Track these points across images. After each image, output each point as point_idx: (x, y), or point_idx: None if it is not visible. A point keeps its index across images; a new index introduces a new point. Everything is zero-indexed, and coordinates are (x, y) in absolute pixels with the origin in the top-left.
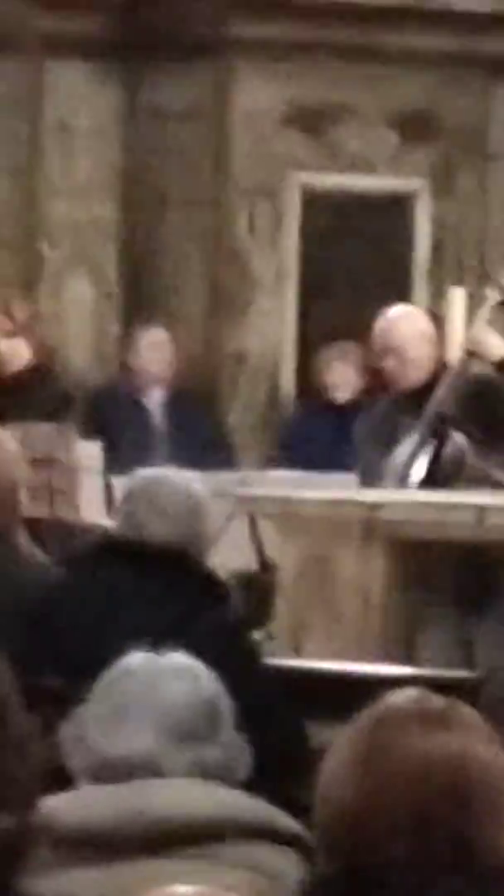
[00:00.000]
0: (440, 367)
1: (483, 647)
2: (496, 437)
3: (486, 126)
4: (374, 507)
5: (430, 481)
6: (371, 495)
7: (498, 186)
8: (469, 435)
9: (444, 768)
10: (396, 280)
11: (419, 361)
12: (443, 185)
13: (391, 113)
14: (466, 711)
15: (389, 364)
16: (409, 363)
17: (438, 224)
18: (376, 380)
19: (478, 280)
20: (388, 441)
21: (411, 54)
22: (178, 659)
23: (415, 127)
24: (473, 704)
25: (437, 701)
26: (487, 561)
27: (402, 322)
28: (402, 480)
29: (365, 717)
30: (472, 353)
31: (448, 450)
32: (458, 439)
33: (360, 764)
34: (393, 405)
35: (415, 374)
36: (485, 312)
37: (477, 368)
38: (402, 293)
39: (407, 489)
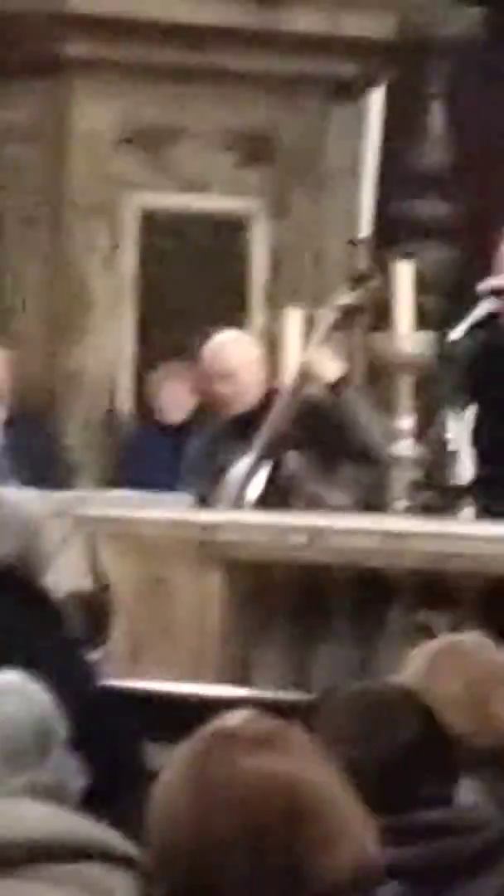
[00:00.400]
0: (271, 391)
1: (318, 668)
2: (330, 459)
3: (323, 148)
4: (210, 528)
5: (265, 502)
6: (207, 516)
7: (334, 208)
8: (304, 456)
9: (276, 790)
10: (234, 301)
11: (249, 387)
12: (280, 206)
13: (228, 134)
14: (299, 734)
15: (220, 389)
16: (240, 388)
17: (275, 245)
18: (209, 401)
19: (314, 301)
20: (219, 463)
21: (249, 75)
22: (10, 678)
23: (252, 148)
24: (308, 726)
25: (270, 723)
26: (322, 582)
27: (232, 347)
28: (238, 501)
29: (197, 738)
30: (306, 375)
31: (283, 471)
32: (293, 460)
33: (193, 785)
34: (227, 424)
35: (244, 399)
36: (320, 334)
37: (312, 390)
38: (239, 314)
39: (242, 510)
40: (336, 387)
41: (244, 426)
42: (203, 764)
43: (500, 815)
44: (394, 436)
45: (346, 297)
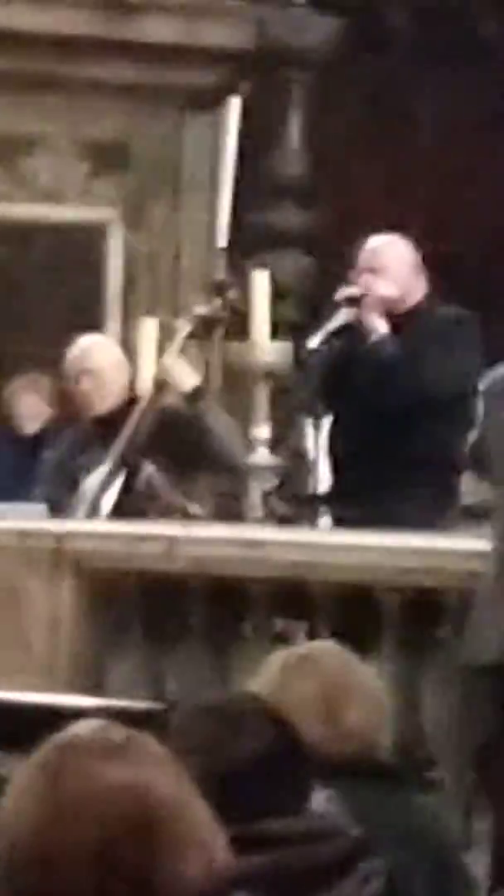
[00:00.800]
0: (131, 399)
1: (172, 677)
2: (188, 468)
3: (180, 157)
4: (63, 537)
5: (120, 512)
6: (60, 525)
7: (191, 218)
8: (159, 465)
9: (127, 800)
10: (89, 311)
11: (113, 387)
12: (135, 215)
13: (83, 143)
14: (150, 743)
15: (84, 387)
16: (105, 388)
17: (131, 255)
18: (66, 409)
19: (170, 311)
20: (77, 470)
21: (104, 85)
22: None
23: (107, 157)
24: (160, 736)
25: (120, 732)
26: (178, 591)
27: (98, 348)
28: (93, 511)
29: (48, 747)
30: (163, 384)
31: (139, 480)
32: (149, 470)
33: (43, 795)
34: (83, 433)
35: (108, 400)
36: (177, 343)
37: (168, 399)
38: (95, 324)
39: (97, 519)
40: (193, 396)
41: (103, 431)
42: (54, 773)
43: (352, 824)
44: (250, 445)
45: (203, 308)
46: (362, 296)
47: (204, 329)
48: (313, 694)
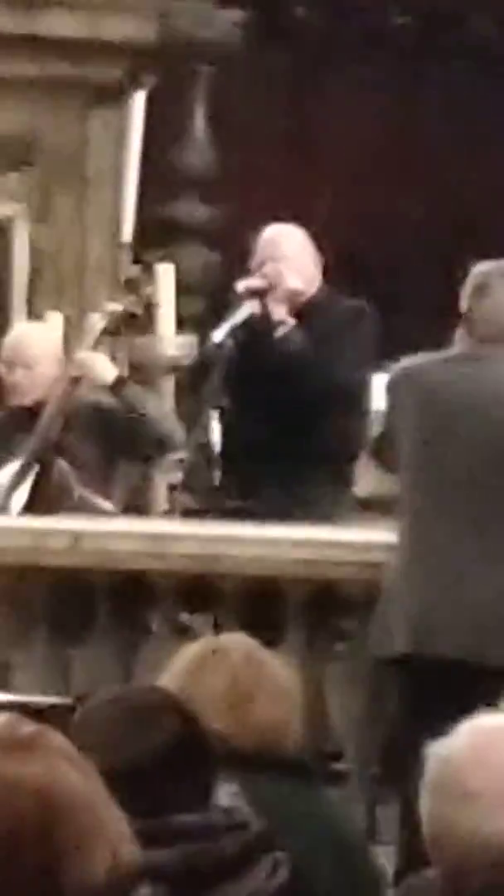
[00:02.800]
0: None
1: (79, 672)
2: (99, 463)
3: (85, 151)
4: None
5: (32, 507)
6: None
7: (96, 212)
8: (72, 461)
9: (30, 794)
10: None
11: (45, 378)
12: (41, 210)
13: None
14: (55, 737)
15: (16, 376)
16: (36, 378)
17: (36, 249)
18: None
19: (75, 305)
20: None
21: (7, 80)
22: None
23: (11, 152)
24: (65, 730)
25: (27, 727)
26: (84, 586)
27: (35, 337)
28: (3, 507)
29: None
30: (77, 378)
31: (52, 476)
32: (62, 465)
33: None
34: (8, 419)
35: (38, 391)
36: (91, 337)
37: (83, 392)
38: (0, 318)
39: (6, 515)
40: (116, 386)
41: (26, 422)
42: None
43: (256, 817)
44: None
45: (118, 304)
46: (268, 287)
47: (117, 324)
48: (221, 687)
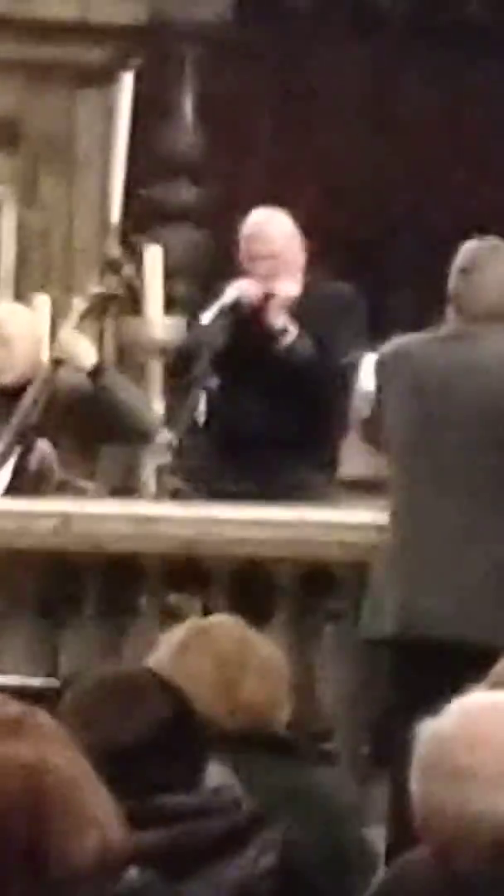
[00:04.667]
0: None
1: (67, 654)
2: (95, 444)
3: (72, 133)
4: None
5: (14, 490)
6: None
7: (84, 194)
8: (55, 443)
9: (19, 776)
10: None
11: (24, 359)
12: (28, 192)
13: None
14: (44, 719)
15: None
16: (15, 359)
17: (24, 232)
18: None
19: (63, 287)
20: None
21: None
22: None
23: None
24: (54, 712)
25: (15, 708)
26: (71, 568)
27: (14, 317)
28: None
29: None
30: (59, 361)
31: (33, 458)
32: (43, 447)
33: None
34: None
35: (17, 372)
36: (73, 321)
37: (68, 376)
38: None
39: None
40: (95, 373)
41: (10, 401)
42: None
43: (246, 797)
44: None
45: (100, 286)
46: (266, 296)
47: (100, 306)
48: (209, 668)
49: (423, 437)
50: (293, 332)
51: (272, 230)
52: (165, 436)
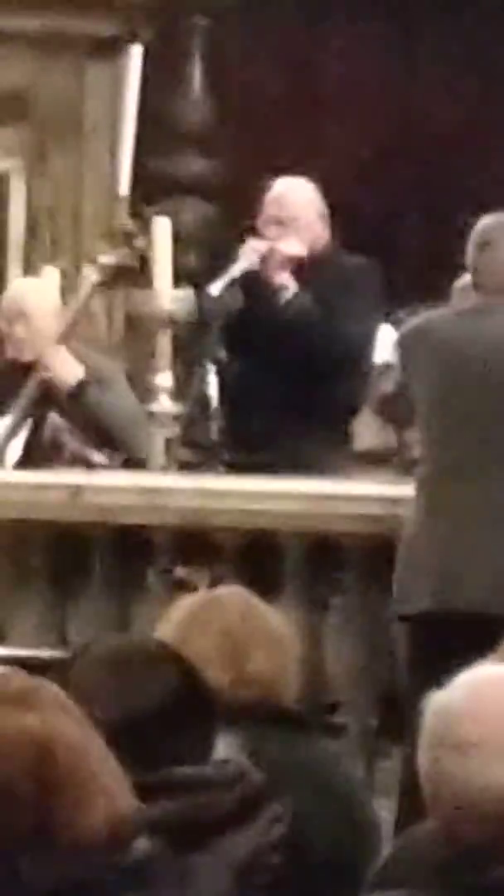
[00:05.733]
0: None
1: (76, 625)
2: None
3: (81, 105)
4: None
5: (27, 461)
6: None
7: (93, 166)
8: (70, 418)
9: (28, 747)
10: None
11: (44, 333)
12: (37, 164)
13: None
14: (53, 691)
15: (15, 331)
16: (35, 333)
17: (33, 204)
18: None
19: (72, 259)
20: None
21: (4, 34)
22: None
23: (8, 106)
24: (63, 683)
25: (24, 680)
26: (81, 539)
27: (33, 294)
28: None
29: None
30: (45, 380)
31: (45, 430)
32: (56, 420)
33: None
34: (6, 373)
35: (38, 347)
36: (84, 291)
37: (75, 345)
38: None
39: (1, 469)
40: (77, 391)
41: (22, 376)
42: None
43: (255, 770)
44: (152, 393)
45: (111, 257)
46: (269, 252)
47: (111, 278)
48: (217, 639)
49: (449, 412)
50: (291, 288)
51: (286, 196)
52: (175, 408)
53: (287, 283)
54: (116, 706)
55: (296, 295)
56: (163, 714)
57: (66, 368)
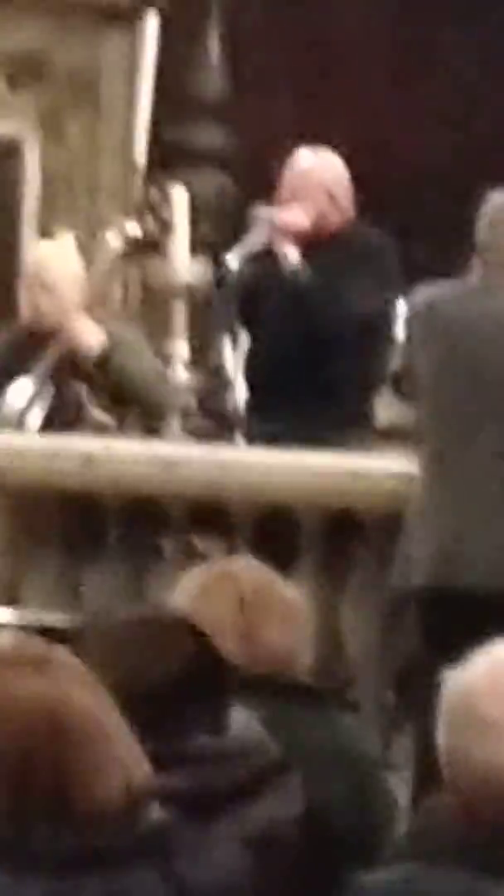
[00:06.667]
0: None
1: (90, 594)
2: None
3: (98, 72)
4: None
5: (48, 427)
6: None
7: (109, 134)
8: (94, 384)
9: (43, 714)
10: (5, 226)
11: (65, 301)
12: (53, 131)
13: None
14: (66, 657)
15: (38, 298)
16: (57, 300)
17: (49, 170)
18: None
19: (87, 228)
20: (10, 376)
21: None
22: None
23: (24, 72)
24: (78, 651)
25: (38, 647)
26: (95, 508)
27: (57, 260)
28: (20, 426)
29: None
30: (94, 300)
31: (66, 396)
32: (76, 385)
33: None
34: (28, 341)
35: (62, 314)
36: (108, 257)
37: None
38: (12, 239)
39: (15, 434)
40: (100, 361)
41: (41, 342)
42: None
43: (270, 743)
44: (167, 362)
45: (136, 227)
46: (276, 224)
47: (132, 247)
48: (231, 610)
49: (454, 387)
50: (294, 259)
51: (307, 171)
52: (191, 378)
53: (290, 254)
54: (133, 675)
55: (298, 267)
56: (180, 684)
57: (90, 335)
